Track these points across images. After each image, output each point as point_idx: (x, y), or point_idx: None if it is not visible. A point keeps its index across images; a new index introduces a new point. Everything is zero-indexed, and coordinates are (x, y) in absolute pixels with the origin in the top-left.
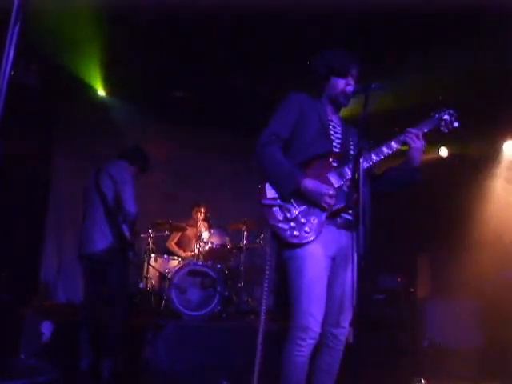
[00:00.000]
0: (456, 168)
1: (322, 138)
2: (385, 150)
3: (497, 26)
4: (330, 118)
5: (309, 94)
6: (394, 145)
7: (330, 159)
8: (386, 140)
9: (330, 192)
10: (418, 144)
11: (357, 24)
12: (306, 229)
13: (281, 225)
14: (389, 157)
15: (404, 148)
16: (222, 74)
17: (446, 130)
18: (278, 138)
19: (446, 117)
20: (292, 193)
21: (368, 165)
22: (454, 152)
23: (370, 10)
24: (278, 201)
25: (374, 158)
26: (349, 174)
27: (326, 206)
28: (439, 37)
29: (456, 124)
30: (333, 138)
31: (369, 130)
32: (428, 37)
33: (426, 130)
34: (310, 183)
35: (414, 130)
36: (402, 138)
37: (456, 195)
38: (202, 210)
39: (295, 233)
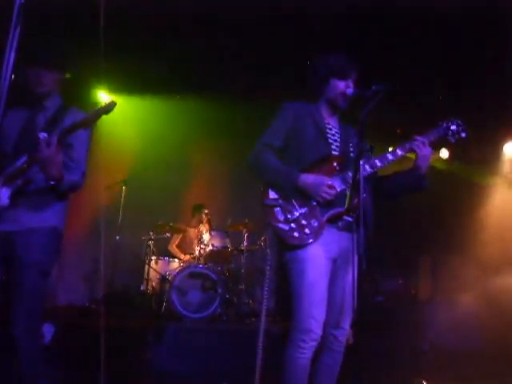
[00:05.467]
0: (457, 169)
1: (319, 142)
2: (390, 156)
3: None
4: (326, 121)
5: (306, 100)
6: (399, 152)
7: (334, 163)
8: (386, 142)
9: (329, 183)
10: (425, 151)
11: None
12: (306, 231)
13: (281, 225)
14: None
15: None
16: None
17: (453, 140)
18: (269, 147)
19: (453, 127)
20: (293, 190)
21: (371, 170)
22: (454, 153)
23: None
24: (280, 201)
25: (378, 164)
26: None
27: (326, 196)
28: (438, 38)
29: (463, 134)
30: (331, 141)
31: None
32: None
33: (432, 139)
34: (308, 177)
35: (420, 138)
36: (408, 145)
37: (457, 196)
38: (206, 211)
39: (295, 234)
